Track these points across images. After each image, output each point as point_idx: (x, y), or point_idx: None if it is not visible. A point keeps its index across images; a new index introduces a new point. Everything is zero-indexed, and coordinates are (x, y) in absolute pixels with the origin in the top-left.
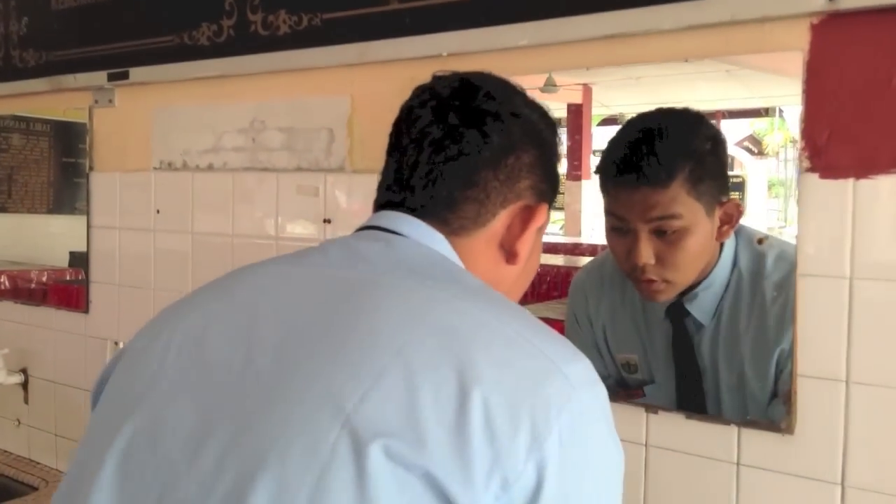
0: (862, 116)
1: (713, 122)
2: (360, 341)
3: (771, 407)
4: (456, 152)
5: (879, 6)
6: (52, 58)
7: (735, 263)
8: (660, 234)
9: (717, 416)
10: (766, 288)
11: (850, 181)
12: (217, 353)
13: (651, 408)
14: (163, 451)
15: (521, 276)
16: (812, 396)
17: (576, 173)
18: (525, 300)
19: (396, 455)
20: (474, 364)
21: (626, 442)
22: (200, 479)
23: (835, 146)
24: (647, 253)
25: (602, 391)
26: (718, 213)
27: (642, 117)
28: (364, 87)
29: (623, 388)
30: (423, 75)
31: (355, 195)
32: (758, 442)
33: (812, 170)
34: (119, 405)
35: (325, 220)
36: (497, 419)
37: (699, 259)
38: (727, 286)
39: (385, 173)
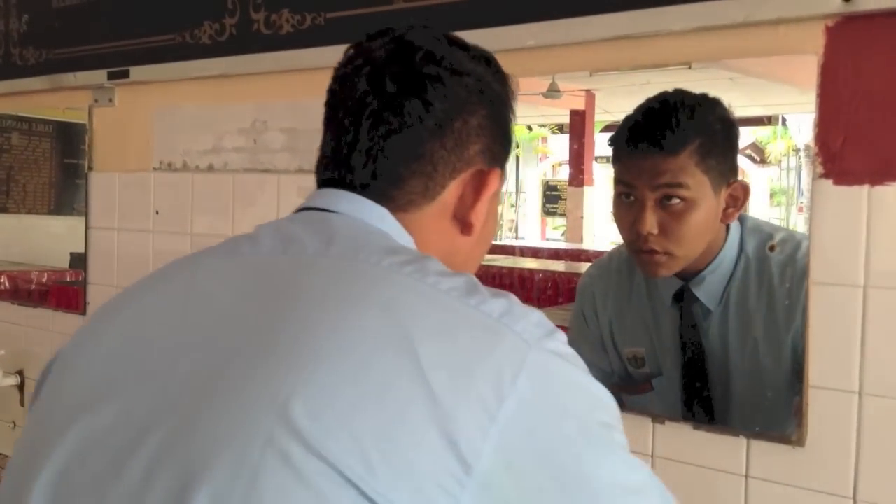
0: (878, 121)
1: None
2: (292, 334)
3: (789, 393)
4: (397, 125)
5: None
6: (53, 56)
7: (741, 248)
8: (665, 204)
9: (726, 427)
10: (774, 269)
11: (865, 188)
12: (146, 357)
13: (658, 418)
14: (92, 467)
15: (477, 244)
16: (824, 408)
17: (578, 179)
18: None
19: (332, 455)
20: (415, 340)
21: (631, 453)
22: (130, 493)
23: (850, 152)
24: (651, 221)
25: (561, 336)
26: (725, 194)
27: (662, 93)
28: None
29: (629, 384)
30: None
31: None
32: (767, 454)
33: (826, 175)
34: (49, 421)
35: None
36: (445, 398)
37: (702, 235)
38: (734, 271)
39: (323, 149)
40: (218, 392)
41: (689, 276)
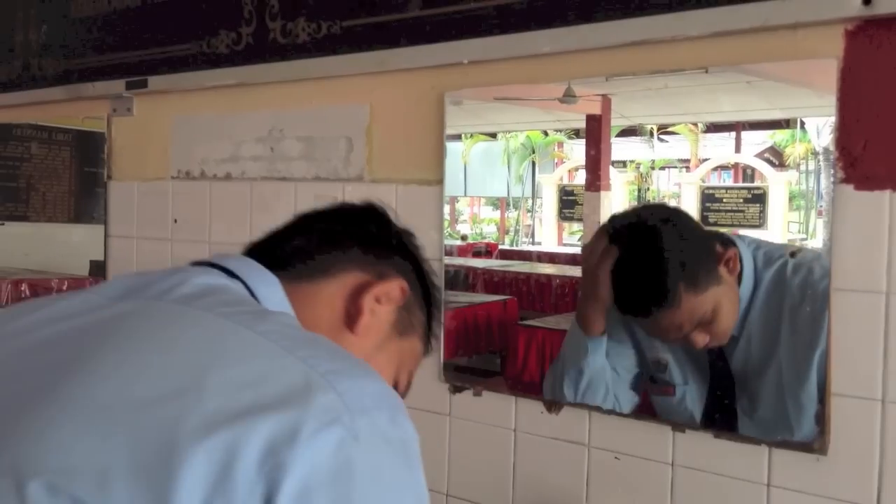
0: None
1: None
2: (65, 389)
3: (811, 404)
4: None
5: None
6: (71, 66)
7: (756, 277)
8: (700, 326)
9: (747, 436)
10: (790, 293)
11: (887, 192)
12: None
13: (678, 426)
14: None
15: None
16: (846, 416)
17: (595, 184)
18: (545, 312)
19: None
20: (203, 385)
21: (651, 461)
22: None
23: (871, 156)
24: (701, 340)
25: (400, 420)
26: (723, 271)
27: (630, 248)
28: (384, 96)
29: (653, 384)
30: (444, 83)
31: None
32: (789, 463)
33: (847, 181)
34: None
35: None
36: (217, 463)
37: (735, 308)
38: (752, 298)
39: None
40: None
41: None
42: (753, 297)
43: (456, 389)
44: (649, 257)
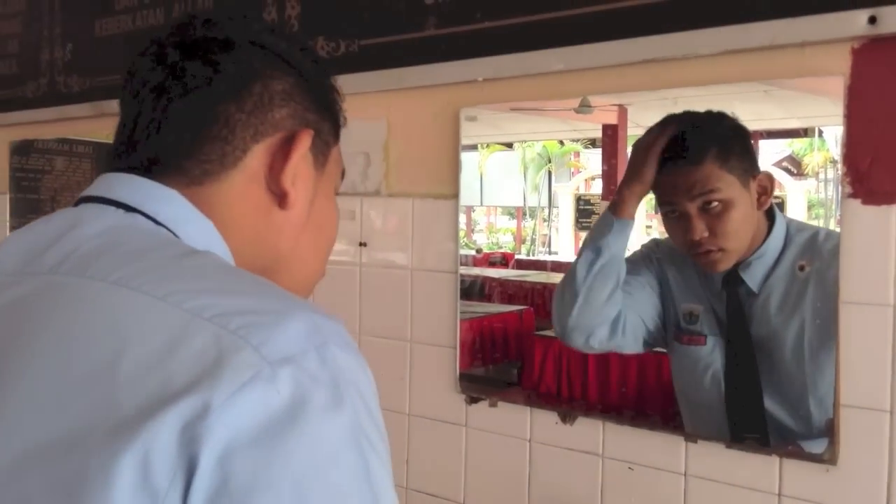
0: None
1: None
2: None
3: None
4: (181, 90)
5: None
6: (96, 83)
7: (787, 239)
8: (706, 209)
9: (759, 446)
10: (820, 256)
11: (894, 207)
12: None
13: (690, 437)
14: None
15: (306, 230)
16: (855, 427)
17: (611, 193)
18: None
19: None
20: (108, 391)
21: (664, 471)
22: None
23: (878, 172)
24: (699, 227)
25: (337, 357)
26: (753, 186)
27: (669, 116)
28: (400, 112)
29: (684, 334)
30: (459, 100)
31: (391, 218)
32: (800, 473)
33: (854, 195)
34: None
35: (361, 244)
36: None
37: (746, 227)
38: (779, 257)
39: (114, 137)
40: None
41: (738, 263)
42: (781, 256)
43: (472, 400)
44: (699, 122)
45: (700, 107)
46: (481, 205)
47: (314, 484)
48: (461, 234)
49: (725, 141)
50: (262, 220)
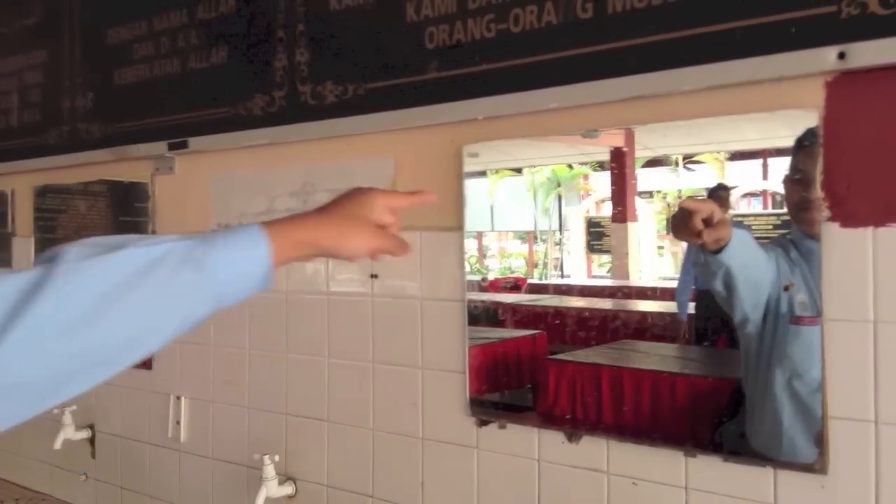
0: (880, 167)
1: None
2: None
3: None
4: None
5: (890, 63)
6: (116, 130)
7: None
8: None
9: (753, 458)
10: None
11: (870, 229)
12: None
13: (689, 452)
14: None
15: None
16: (843, 437)
17: (621, 216)
18: (577, 344)
19: None
20: None
21: (666, 485)
22: None
23: (854, 196)
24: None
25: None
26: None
27: None
28: (406, 150)
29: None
30: (462, 137)
31: None
32: (793, 483)
33: (833, 219)
34: None
35: (372, 276)
36: None
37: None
38: None
39: None
40: None
41: None
42: None
43: (482, 423)
44: None
45: (707, 128)
46: (492, 230)
47: None
48: (473, 259)
49: None
50: None
